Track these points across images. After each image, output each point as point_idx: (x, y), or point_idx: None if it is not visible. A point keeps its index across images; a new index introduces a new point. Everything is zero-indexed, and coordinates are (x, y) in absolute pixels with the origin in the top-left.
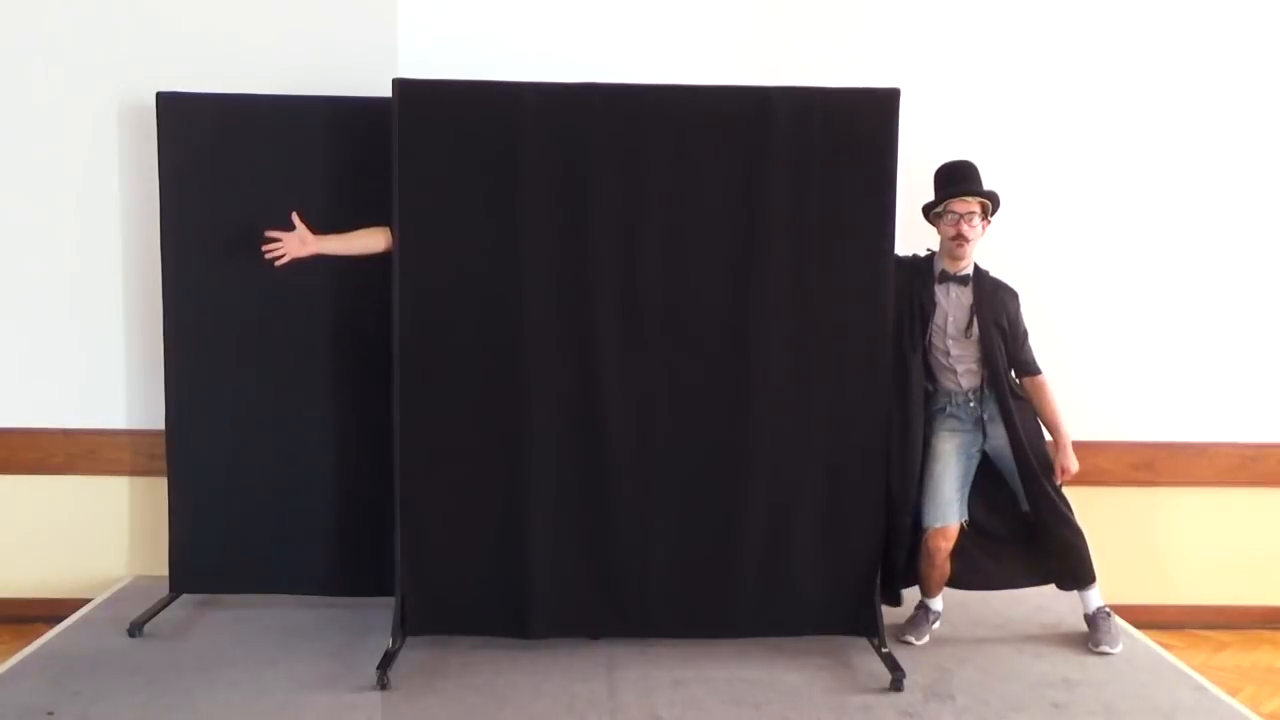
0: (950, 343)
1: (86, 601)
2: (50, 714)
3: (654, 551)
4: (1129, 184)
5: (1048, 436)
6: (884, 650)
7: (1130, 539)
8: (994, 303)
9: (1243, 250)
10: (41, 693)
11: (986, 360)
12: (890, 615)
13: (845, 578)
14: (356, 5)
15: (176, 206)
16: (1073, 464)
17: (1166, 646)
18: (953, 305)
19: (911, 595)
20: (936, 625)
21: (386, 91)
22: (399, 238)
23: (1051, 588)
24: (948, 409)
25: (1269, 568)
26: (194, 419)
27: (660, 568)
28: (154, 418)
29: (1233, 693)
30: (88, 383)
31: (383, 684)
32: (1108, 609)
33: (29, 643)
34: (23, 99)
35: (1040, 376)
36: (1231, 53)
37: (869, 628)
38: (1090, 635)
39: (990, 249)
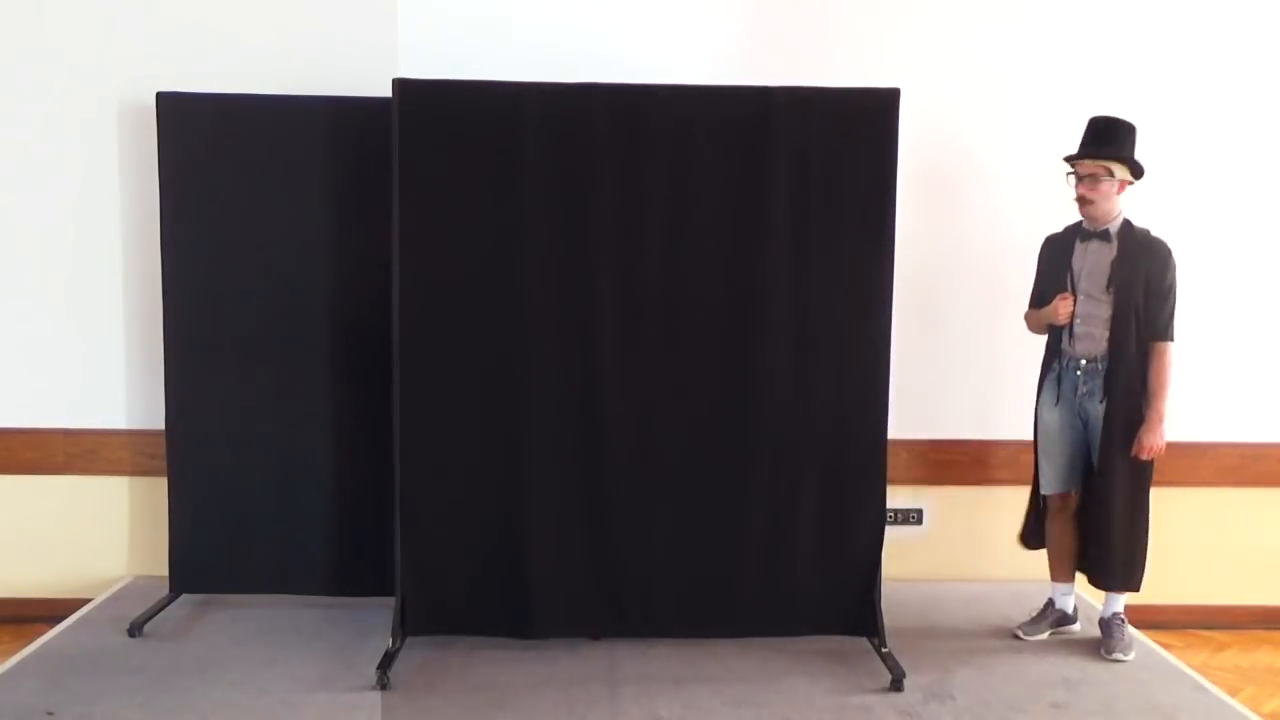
0: (1084, 298)
1: (86, 601)
2: (50, 714)
3: (654, 551)
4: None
5: None
6: (884, 650)
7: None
8: (1136, 260)
9: (1242, 250)
10: (41, 693)
11: (1116, 320)
12: (891, 621)
13: (845, 578)
14: (357, 5)
15: (176, 206)
16: (1153, 440)
17: (1166, 646)
18: (1088, 262)
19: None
20: (1060, 628)
21: (386, 91)
22: (399, 238)
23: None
24: (1057, 371)
25: (1269, 568)
26: (194, 419)
27: (660, 568)
28: (154, 418)
29: (1233, 693)
30: (88, 383)
31: (383, 684)
32: (1123, 616)
33: (29, 643)
34: (23, 99)
35: (1163, 344)
36: (1230, 53)
37: (869, 628)
38: (1102, 641)
39: (992, 248)
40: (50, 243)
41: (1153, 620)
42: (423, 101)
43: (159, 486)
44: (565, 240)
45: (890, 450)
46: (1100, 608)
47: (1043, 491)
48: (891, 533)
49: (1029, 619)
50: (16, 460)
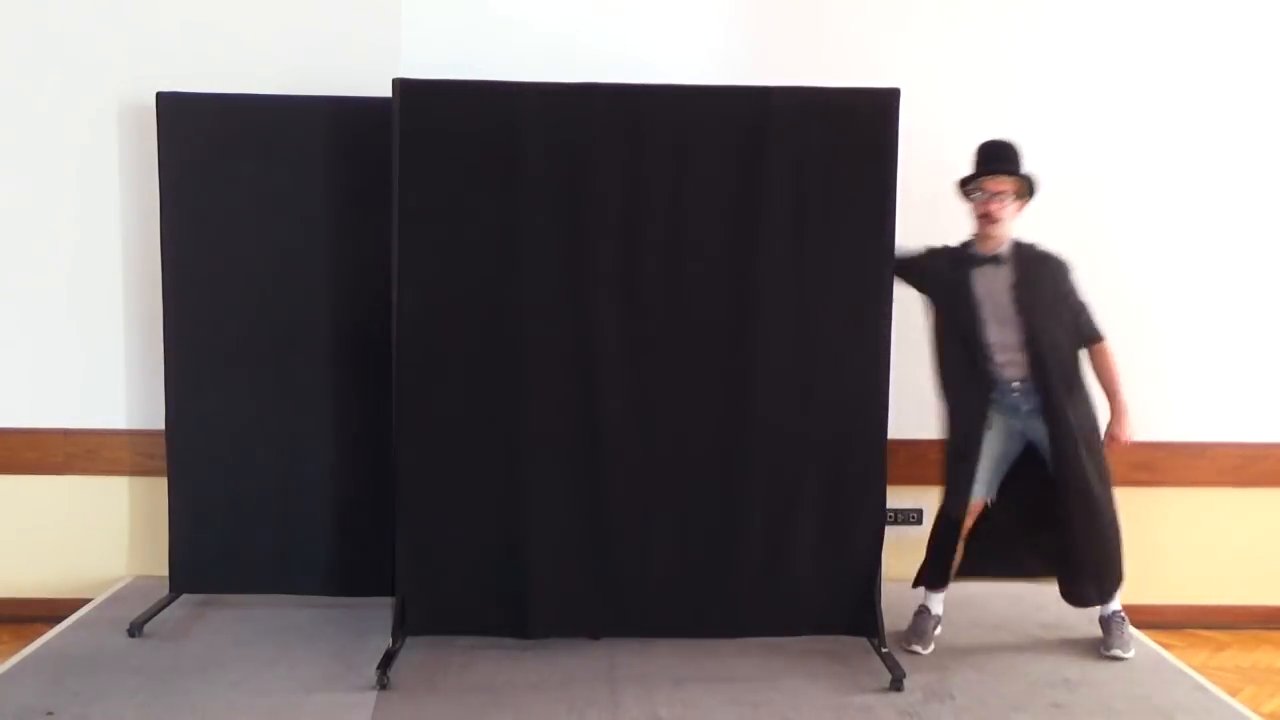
0: (992, 329)
1: (86, 601)
2: (50, 714)
3: (654, 551)
4: (1128, 184)
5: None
6: (884, 650)
7: (1130, 539)
8: (1037, 279)
9: (1242, 250)
10: (41, 693)
11: (1029, 344)
12: (891, 622)
13: (845, 578)
14: (358, 5)
15: (176, 206)
16: (1124, 432)
17: (1166, 646)
18: (989, 288)
19: (910, 600)
20: (938, 631)
21: (387, 91)
22: (399, 238)
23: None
24: (998, 398)
25: (1269, 568)
26: (194, 419)
27: (660, 567)
28: (154, 418)
29: (1233, 693)
30: (87, 383)
31: (382, 684)
32: (1123, 614)
33: (29, 643)
34: (23, 99)
35: (1102, 343)
36: (1231, 53)
37: (869, 628)
38: (1103, 639)
39: None
40: (50, 243)
41: (1153, 620)
42: (423, 101)
43: (159, 486)
44: (565, 240)
45: (890, 450)
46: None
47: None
48: (891, 533)
49: (914, 633)
50: (16, 460)
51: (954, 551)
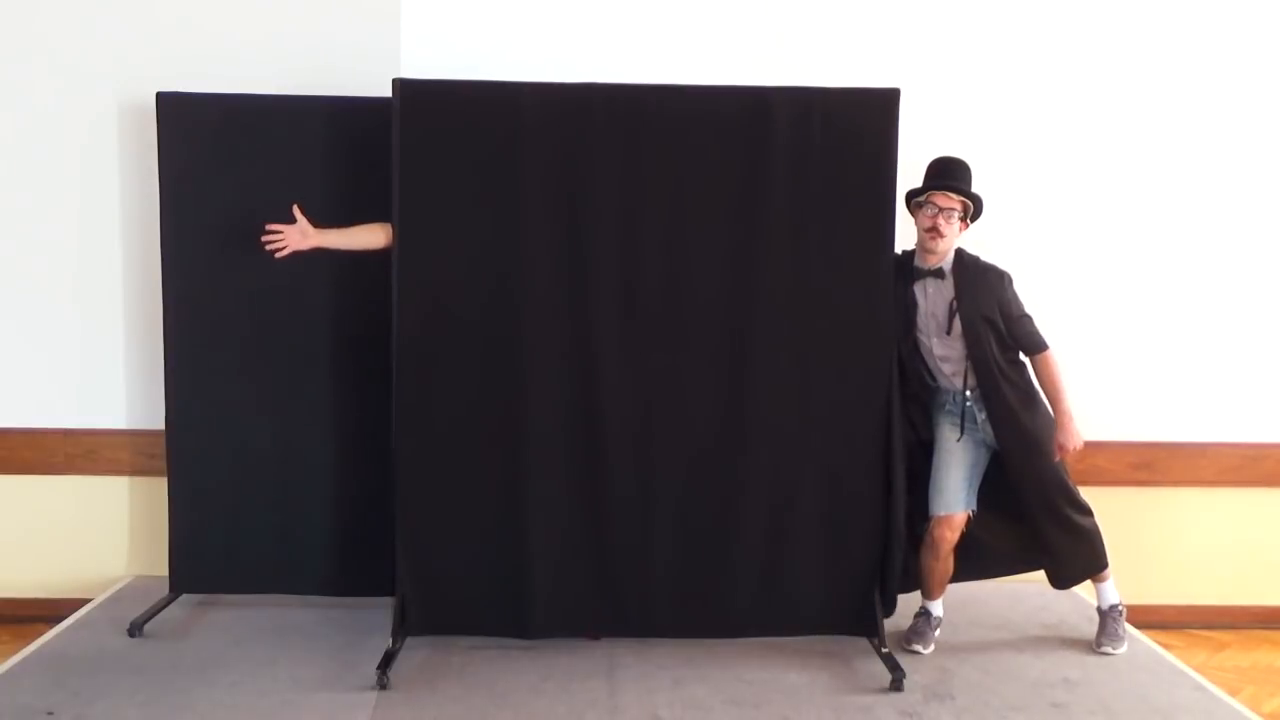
0: (935, 341)
1: (86, 601)
2: (50, 714)
3: (654, 551)
4: (1129, 184)
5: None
6: (884, 650)
7: (1130, 539)
8: (978, 292)
9: (1242, 250)
10: (41, 693)
11: (971, 355)
12: (891, 622)
13: (845, 578)
14: (358, 5)
15: (176, 206)
16: (1070, 441)
17: (1166, 646)
18: (931, 301)
19: (909, 602)
20: (938, 631)
21: (387, 91)
22: (399, 237)
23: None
24: (947, 405)
25: (1269, 568)
26: (194, 419)
27: (660, 568)
28: (154, 418)
29: (1233, 693)
30: (87, 383)
31: (383, 684)
32: (1122, 607)
33: (29, 643)
34: (23, 99)
35: (1044, 353)
36: (1231, 53)
37: (869, 628)
38: (1097, 633)
39: (992, 248)
40: (50, 243)
41: (1153, 620)
42: (423, 102)
43: (159, 486)
44: (565, 241)
45: None
46: (1095, 601)
47: (937, 514)
48: None
49: (914, 633)
50: (16, 460)
51: (900, 563)
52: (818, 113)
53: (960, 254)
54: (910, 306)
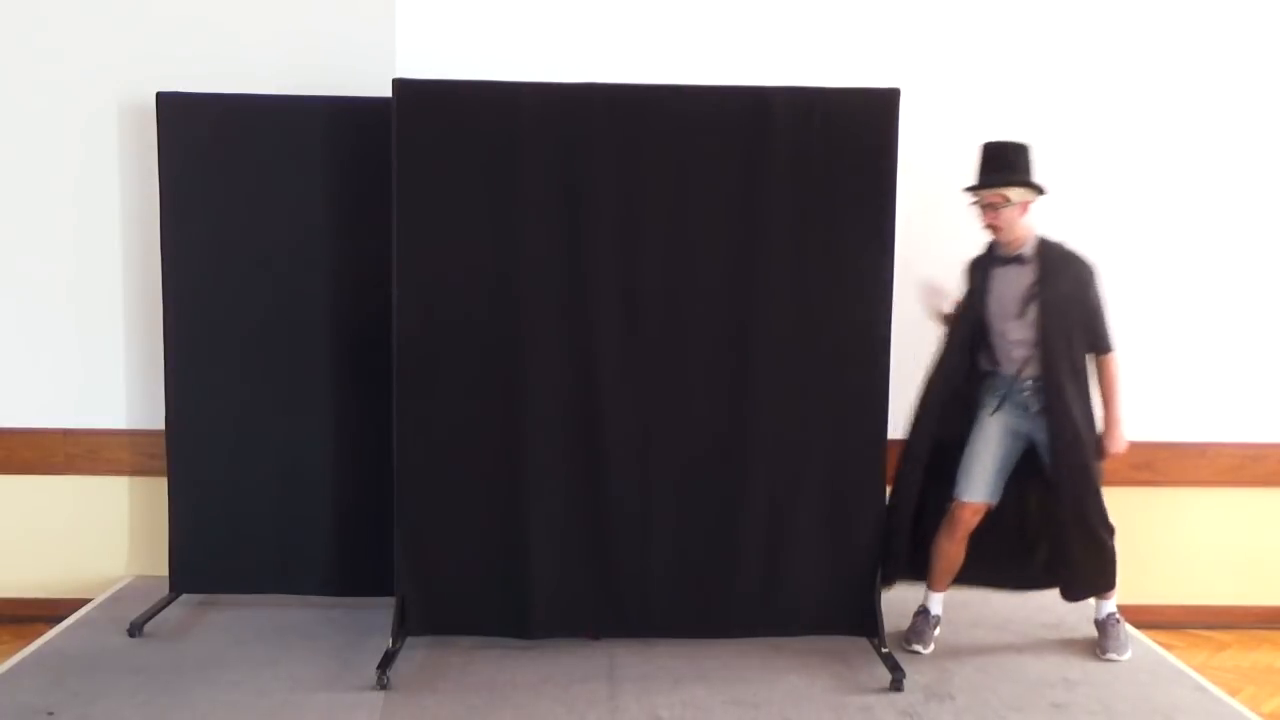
0: (1006, 325)
1: (86, 601)
2: (50, 714)
3: (654, 551)
4: (1130, 184)
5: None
6: (884, 650)
7: (1130, 539)
8: (1059, 279)
9: (1242, 250)
10: (41, 693)
11: (1041, 342)
12: (891, 623)
13: (845, 578)
14: (356, 5)
15: (176, 206)
16: (1115, 444)
17: (1166, 646)
18: (1005, 286)
19: (909, 602)
20: (938, 631)
21: (386, 91)
22: (399, 238)
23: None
24: (1001, 390)
25: (1269, 568)
26: (194, 419)
27: (660, 567)
28: (154, 418)
29: (1233, 693)
30: (87, 383)
31: (383, 684)
32: (1119, 615)
33: (29, 643)
34: (23, 99)
35: (1107, 355)
36: (1232, 53)
37: (869, 628)
38: (1099, 641)
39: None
40: (50, 243)
41: (1153, 620)
42: (422, 101)
43: (159, 486)
44: (564, 240)
45: (890, 451)
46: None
47: (964, 498)
48: None
49: (914, 633)
50: (16, 460)
51: (901, 548)
52: (818, 113)
53: (1045, 241)
54: (982, 292)
